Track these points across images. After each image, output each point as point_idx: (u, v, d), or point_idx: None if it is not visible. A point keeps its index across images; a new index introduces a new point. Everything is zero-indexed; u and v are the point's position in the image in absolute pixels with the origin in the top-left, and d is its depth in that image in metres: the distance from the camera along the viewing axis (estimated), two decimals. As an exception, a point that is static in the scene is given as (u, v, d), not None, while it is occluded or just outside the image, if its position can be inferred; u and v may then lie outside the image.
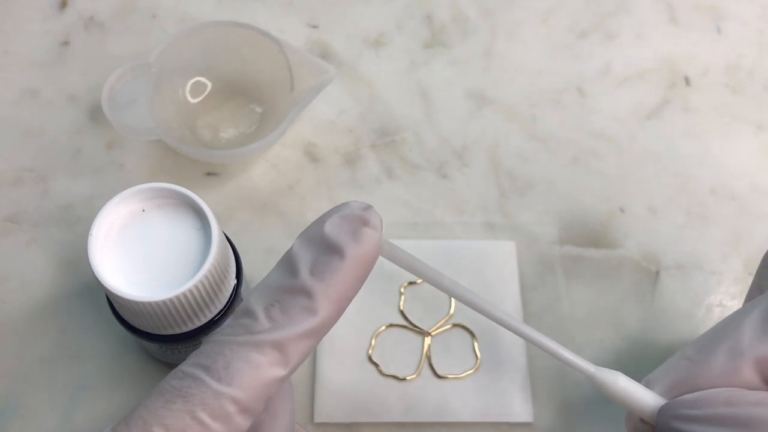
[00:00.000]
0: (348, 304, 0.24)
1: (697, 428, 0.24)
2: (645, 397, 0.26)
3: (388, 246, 0.26)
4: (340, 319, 0.38)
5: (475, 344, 0.38)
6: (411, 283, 0.40)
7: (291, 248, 0.24)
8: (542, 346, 0.28)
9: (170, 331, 0.31)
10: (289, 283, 0.23)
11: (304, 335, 0.23)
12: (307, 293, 0.23)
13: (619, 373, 0.27)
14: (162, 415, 0.22)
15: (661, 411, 0.25)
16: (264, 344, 0.23)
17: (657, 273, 0.41)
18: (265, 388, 0.23)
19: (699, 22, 0.49)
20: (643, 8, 0.50)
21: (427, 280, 0.28)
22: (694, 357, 0.26)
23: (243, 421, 0.22)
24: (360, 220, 0.24)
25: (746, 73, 0.47)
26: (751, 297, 0.30)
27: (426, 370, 0.38)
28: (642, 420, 0.27)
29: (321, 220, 0.24)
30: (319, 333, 0.23)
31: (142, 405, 0.22)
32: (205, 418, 0.22)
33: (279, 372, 0.23)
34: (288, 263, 0.24)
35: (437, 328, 0.39)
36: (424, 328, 0.38)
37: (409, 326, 0.39)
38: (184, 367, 0.23)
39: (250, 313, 0.23)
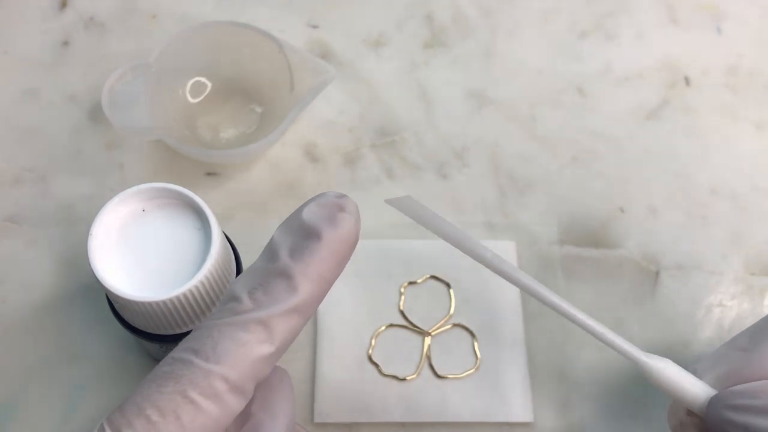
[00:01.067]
0: (330, 285, 0.25)
1: (753, 419, 0.24)
2: (694, 387, 0.26)
3: (408, 202, 0.28)
4: (340, 319, 0.38)
5: (475, 344, 0.38)
6: (411, 283, 0.40)
7: (272, 237, 0.25)
8: (585, 326, 0.28)
9: (170, 331, 0.31)
10: (270, 266, 0.24)
11: (287, 312, 0.24)
12: (286, 274, 0.24)
13: (669, 360, 0.27)
14: (154, 398, 0.22)
15: (713, 401, 0.25)
16: (249, 323, 0.23)
17: (657, 273, 0.41)
18: (254, 365, 0.23)
19: (699, 22, 0.49)
20: (643, 8, 0.50)
21: (449, 239, 0.29)
22: (748, 346, 0.26)
23: (234, 400, 0.23)
24: (336, 206, 0.25)
25: (746, 73, 0.47)
26: None
27: (426, 370, 0.38)
28: (689, 412, 0.26)
29: (299, 209, 0.25)
30: (302, 311, 0.24)
31: (136, 392, 0.23)
32: (195, 397, 0.22)
33: (266, 349, 0.23)
34: (269, 250, 0.25)
35: (437, 328, 0.39)
36: (424, 328, 0.38)
37: (409, 326, 0.39)
38: (174, 353, 0.23)
39: (235, 298, 0.24)
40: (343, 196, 0.25)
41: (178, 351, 0.23)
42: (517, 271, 0.29)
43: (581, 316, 0.28)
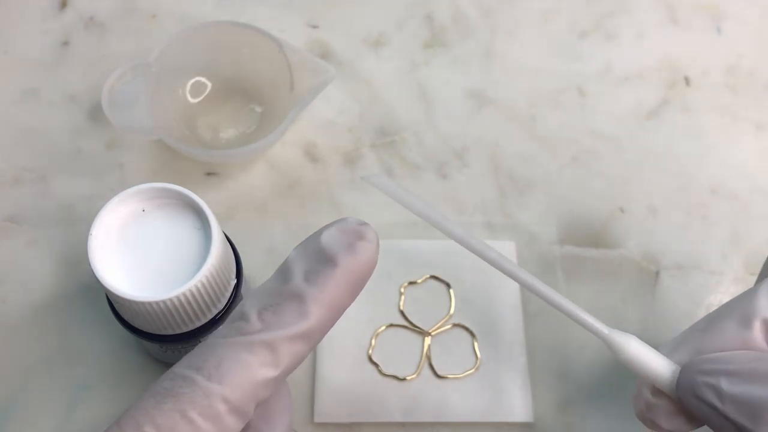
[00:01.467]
0: (341, 313, 0.25)
1: (723, 381, 0.24)
2: (660, 362, 0.26)
3: (380, 178, 0.28)
4: (340, 319, 0.38)
5: (475, 344, 0.38)
6: (411, 283, 0.40)
7: (288, 257, 0.25)
8: (548, 299, 0.28)
9: (170, 331, 0.31)
10: (283, 288, 0.24)
11: (295, 337, 0.23)
12: (299, 297, 0.24)
13: (633, 336, 0.27)
14: (153, 414, 0.22)
15: (686, 366, 0.26)
16: (254, 344, 0.23)
17: (657, 273, 0.41)
18: (256, 388, 0.23)
19: (699, 22, 0.49)
20: (643, 8, 0.50)
21: (421, 215, 0.29)
22: (706, 327, 0.26)
23: (233, 421, 0.23)
24: (356, 233, 0.25)
25: (746, 73, 0.47)
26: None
27: (426, 370, 0.38)
28: (654, 393, 0.27)
29: (318, 232, 0.25)
30: (310, 337, 0.24)
31: (135, 406, 0.23)
32: (194, 416, 0.22)
33: (270, 373, 0.23)
34: (284, 270, 0.25)
35: (437, 328, 0.39)
36: (424, 328, 0.38)
37: (409, 326, 0.39)
38: (176, 368, 0.23)
39: (243, 316, 0.24)
40: (364, 223, 0.25)
41: (181, 366, 0.23)
42: (481, 243, 0.29)
43: (540, 285, 0.28)
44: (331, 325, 0.24)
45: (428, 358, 0.38)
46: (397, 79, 0.46)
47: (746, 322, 0.26)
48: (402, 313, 0.39)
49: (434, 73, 0.47)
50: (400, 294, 0.39)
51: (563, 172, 0.44)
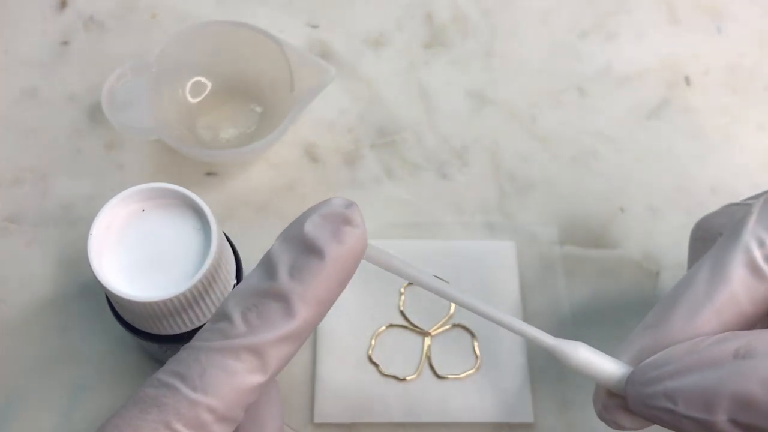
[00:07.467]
0: (329, 307, 0.24)
1: (669, 384, 0.24)
2: (610, 367, 0.26)
3: (374, 251, 0.26)
4: (340, 320, 0.38)
5: (475, 344, 0.38)
6: (411, 283, 0.40)
7: (270, 249, 0.24)
8: (500, 322, 0.27)
9: (170, 331, 0.31)
10: (267, 286, 0.23)
11: (282, 339, 0.22)
12: (284, 296, 0.22)
13: (581, 343, 0.27)
14: (136, 425, 0.21)
15: (630, 380, 0.25)
16: (240, 350, 0.22)
17: (657, 273, 0.41)
18: (243, 395, 0.22)
19: (699, 22, 0.49)
20: (643, 8, 0.50)
21: (414, 281, 0.27)
22: (655, 323, 0.26)
23: (221, 429, 0.22)
24: (342, 218, 0.23)
25: (746, 73, 0.47)
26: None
27: (426, 371, 0.38)
28: (609, 395, 0.26)
29: (301, 219, 0.24)
30: (298, 337, 0.23)
31: (118, 414, 0.22)
32: (180, 428, 0.21)
33: (257, 379, 0.22)
34: (267, 264, 0.23)
35: (437, 328, 0.39)
36: (424, 328, 0.38)
37: (410, 326, 0.39)
38: (159, 375, 0.22)
39: (227, 317, 0.23)
40: (349, 204, 0.24)
41: (164, 373, 0.22)
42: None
43: (494, 311, 0.27)
44: (321, 319, 0.23)
45: (428, 358, 0.38)
46: (397, 79, 0.46)
47: (692, 310, 0.25)
48: (402, 313, 0.39)
49: (434, 73, 0.47)
50: (400, 294, 0.39)
51: (563, 172, 0.44)
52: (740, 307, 0.25)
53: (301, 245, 0.23)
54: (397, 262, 0.26)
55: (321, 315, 0.23)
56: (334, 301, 0.24)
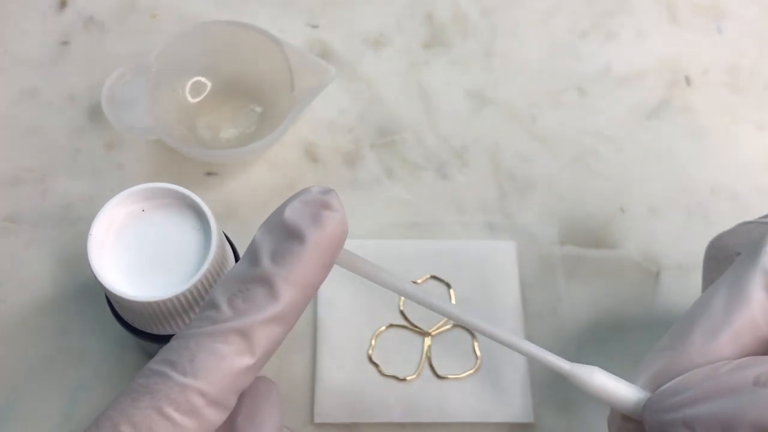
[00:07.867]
0: (315, 290, 0.24)
1: (688, 412, 0.24)
2: (626, 391, 0.26)
3: (346, 255, 0.26)
4: (340, 320, 0.38)
5: (475, 344, 0.38)
6: (411, 283, 0.39)
7: (254, 238, 0.24)
8: (509, 344, 0.27)
9: (170, 331, 0.31)
10: (251, 272, 0.23)
11: (269, 321, 0.23)
12: (267, 280, 0.23)
13: (596, 368, 0.27)
14: (129, 413, 0.22)
15: (647, 407, 0.25)
16: (227, 333, 0.22)
17: (657, 273, 0.41)
18: (233, 378, 0.23)
19: (699, 21, 0.49)
20: (643, 8, 0.50)
21: (387, 286, 0.27)
22: (671, 345, 0.26)
23: (213, 414, 0.22)
24: (320, 203, 0.24)
25: (747, 73, 0.47)
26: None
27: (426, 371, 0.37)
28: (625, 419, 0.26)
29: (281, 207, 0.24)
30: (284, 319, 0.23)
31: (111, 406, 0.22)
32: (171, 412, 0.22)
33: (246, 361, 0.23)
34: (251, 253, 0.24)
35: (437, 328, 0.39)
36: (424, 328, 0.38)
37: (410, 326, 0.39)
38: (151, 364, 0.23)
39: (214, 305, 0.23)
40: (327, 191, 0.24)
41: (155, 363, 0.23)
42: (446, 303, 0.27)
43: (500, 331, 0.27)
44: (306, 303, 0.24)
45: (428, 358, 0.38)
46: (397, 79, 0.46)
47: (709, 334, 0.25)
48: (402, 313, 0.39)
49: (434, 73, 0.47)
50: (400, 294, 0.39)
51: (563, 172, 0.44)
52: (759, 331, 0.25)
53: (282, 231, 0.23)
54: (369, 266, 0.27)
55: (306, 298, 0.24)
56: (318, 285, 0.24)
